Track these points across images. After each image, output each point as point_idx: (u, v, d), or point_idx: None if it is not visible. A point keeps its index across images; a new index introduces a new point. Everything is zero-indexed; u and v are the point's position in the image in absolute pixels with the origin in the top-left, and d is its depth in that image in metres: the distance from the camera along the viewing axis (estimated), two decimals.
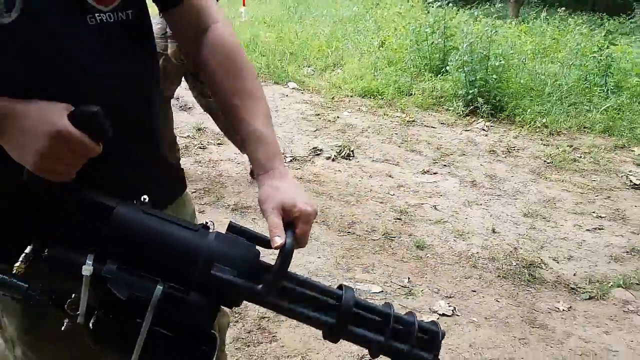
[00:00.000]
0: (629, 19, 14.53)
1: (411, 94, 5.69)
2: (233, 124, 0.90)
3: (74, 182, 0.69)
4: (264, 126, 0.88)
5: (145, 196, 0.77)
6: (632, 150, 4.46)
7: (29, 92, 0.68)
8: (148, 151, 0.91)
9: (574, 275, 2.78)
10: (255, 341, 2.15)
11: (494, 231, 3.18)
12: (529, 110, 5.10)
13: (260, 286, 0.71)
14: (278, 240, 0.75)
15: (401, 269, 2.73)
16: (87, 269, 0.65)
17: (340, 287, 0.79)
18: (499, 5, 11.78)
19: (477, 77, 5.21)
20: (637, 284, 2.69)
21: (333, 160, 4.05)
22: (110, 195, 0.72)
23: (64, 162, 0.67)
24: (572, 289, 2.67)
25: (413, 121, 5.03)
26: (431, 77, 5.97)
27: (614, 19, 13.89)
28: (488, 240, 3.09)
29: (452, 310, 2.44)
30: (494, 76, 5.29)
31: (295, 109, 5.18)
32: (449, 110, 5.32)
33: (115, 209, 0.70)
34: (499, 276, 2.76)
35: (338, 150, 4.16)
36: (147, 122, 0.89)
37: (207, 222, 0.78)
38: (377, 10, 10.20)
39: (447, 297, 2.54)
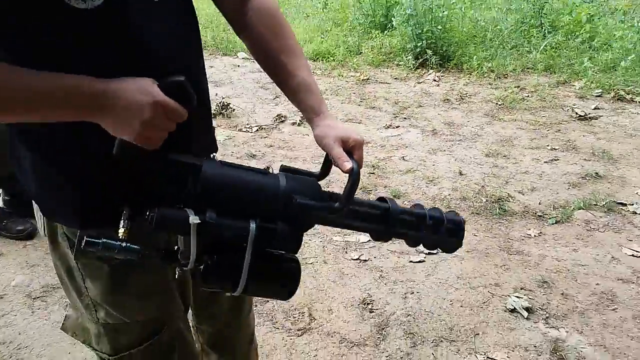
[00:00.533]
0: None
1: (361, 53, 5.79)
2: (281, 78, 1.00)
3: (161, 149, 0.75)
4: (309, 77, 0.99)
5: (214, 153, 0.85)
6: (573, 85, 4.77)
7: (115, 69, 0.73)
8: (206, 110, 1.00)
9: (539, 204, 3.03)
10: (262, 299, 2.25)
11: (460, 173, 3.38)
12: (475, 57, 5.31)
13: (337, 204, 0.85)
14: (347, 165, 0.88)
15: None
16: (194, 219, 0.72)
17: (382, 199, 0.96)
18: None
19: (424, 30, 5.35)
20: (594, 204, 2.96)
21: (299, 125, 4.12)
22: (191, 155, 0.79)
23: (161, 128, 0.74)
24: (540, 216, 2.91)
25: (367, 79, 5.14)
26: (378, 34, 6.07)
27: None
28: (457, 182, 3.29)
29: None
30: (439, 27, 5.44)
31: (250, 78, 5.17)
32: (400, 65, 5.46)
33: (202, 166, 0.77)
34: (472, 213, 2.96)
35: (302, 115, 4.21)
36: (202, 83, 0.96)
37: (267, 167, 0.89)
38: None
39: None
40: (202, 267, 0.77)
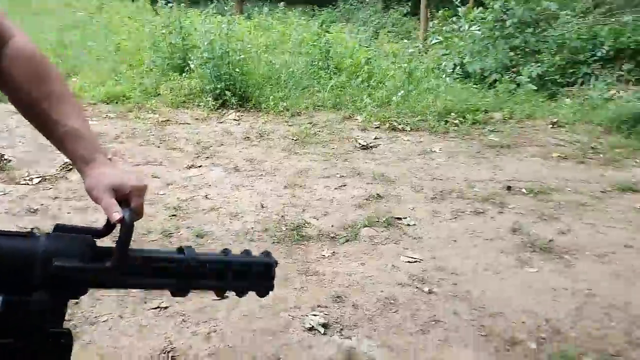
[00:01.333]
0: (335, 10, 16.79)
1: (159, 94, 5.71)
2: (46, 128, 0.90)
3: None
4: (79, 123, 0.89)
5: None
6: (356, 119, 5.36)
7: None
8: None
9: (332, 226, 3.30)
10: None
11: (262, 206, 3.52)
12: (271, 97, 5.64)
13: (108, 263, 0.74)
14: (117, 215, 0.78)
15: None
16: None
17: (180, 249, 0.84)
18: (231, 4, 12.35)
19: (222, 72, 5.53)
20: (377, 221, 3.33)
21: None
22: None
23: None
24: (332, 237, 3.17)
25: (167, 120, 5.08)
26: (176, 76, 6.07)
27: (323, 10, 15.89)
28: (259, 215, 3.41)
29: None
30: (237, 70, 5.67)
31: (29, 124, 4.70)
32: (200, 105, 5.53)
33: None
34: (274, 242, 3.09)
35: None
36: None
37: (32, 229, 0.77)
38: (102, 15, 9.75)
39: None
40: None
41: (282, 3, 11.63)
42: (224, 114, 5.38)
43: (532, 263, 2.89)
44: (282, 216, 3.40)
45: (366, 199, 3.66)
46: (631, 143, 4.89)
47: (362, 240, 3.14)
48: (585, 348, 2.21)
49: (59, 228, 0.78)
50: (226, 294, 0.88)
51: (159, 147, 4.47)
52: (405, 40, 10.84)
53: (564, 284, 2.69)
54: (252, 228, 3.24)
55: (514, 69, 7.22)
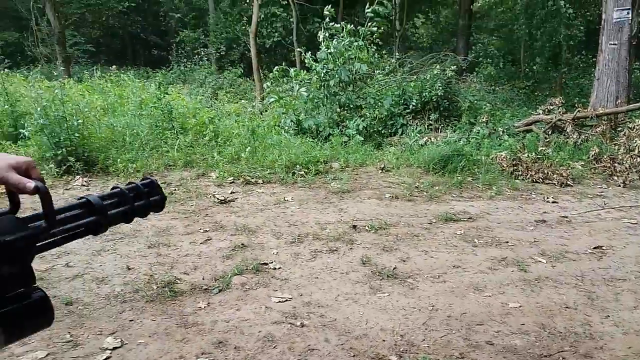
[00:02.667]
0: (169, 71, 16.91)
1: None
2: None
3: None
4: None
5: None
6: (210, 176, 5.58)
7: None
8: None
9: (203, 279, 3.44)
10: None
11: (128, 268, 3.52)
12: (118, 159, 5.59)
13: (43, 224, 0.88)
14: (31, 185, 0.91)
15: (58, 328, 2.75)
16: None
17: (80, 198, 1.00)
18: (60, 68, 11.77)
19: (62, 139, 5.34)
20: (245, 269, 3.57)
21: None
22: None
23: None
24: (205, 289, 3.32)
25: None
26: (10, 144, 5.67)
27: (157, 72, 15.92)
28: (127, 277, 3.41)
29: (120, 341, 2.68)
30: (77, 134, 5.52)
31: None
32: (42, 173, 5.23)
33: None
34: (147, 301, 3.13)
35: None
36: None
37: None
38: None
39: (111, 333, 2.75)
40: None
41: (113, 66, 11.48)
42: (70, 180, 5.18)
43: (382, 289, 3.38)
44: (151, 275, 3.45)
45: (232, 250, 3.88)
46: (445, 180, 5.89)
47: (235, 288, 3.34)
48: (436, 355, 2.68)
49: None
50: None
51: None
52: (244, 101, 11.43)
53: (411, 304, 3.19)
54: (122, 290, 3.24)
55: (343, 124, 8.14)
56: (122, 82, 9.71)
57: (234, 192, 5.17)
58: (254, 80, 15.03)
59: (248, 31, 15.76)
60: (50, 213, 0.90)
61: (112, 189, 1.05)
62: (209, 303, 3.15)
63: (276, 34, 14.63)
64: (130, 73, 11.89)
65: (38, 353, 2.53)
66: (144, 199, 1.08)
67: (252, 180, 5.51)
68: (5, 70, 7.49)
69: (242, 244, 3.96)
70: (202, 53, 18.46)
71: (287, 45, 16.49)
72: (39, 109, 5.37)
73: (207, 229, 4.26)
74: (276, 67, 9.63)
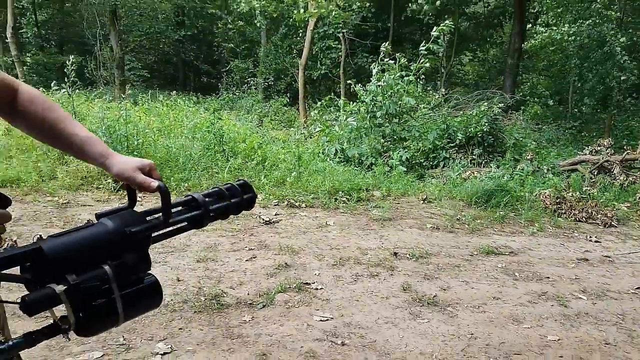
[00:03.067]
0: (218, 98, 17.55)
1: (56, 177, 5.66)
2: (64, 142, 1.17)
3: None
4: (86, 132, 1.19)
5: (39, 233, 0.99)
6: (257, 197, 5.77)
7: None
8: None
9: (248, 294, 3.59)
10: None
11: (178, 280, 3.71)
12: (172, 178, 5.88)
13: (161, 218, 1.04)
14: (154, 184, 1.09)
15: (112, 330, 2.94)
16: (59, 288, 0.84)
17: (187, 196, 1.14)
18: (115, 89, 12.46)
19: None
20: (288, 287, 3.70)
21: None
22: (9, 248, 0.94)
23: None
24: (250, 304, 3.46)
25: (67, 203, 5.07)
26: (72, 159, 6.07)
27: (207, 98, 16.58)
28: (176, 288, 3.60)
29: (170, 348, 2.84)
30: (136, 153, 5.87)
31: None
32: (100, 188, 5.58)
33: (41, 247, 0.89)
34: (195, 312, 3.29)
35: None
36: None
37: (88, 220, 1.04)
38: None
39: (161, 340, 2.92)
40: (81, 322, 0.88)
41: (174, 92, 12.10)
42: (125, 195, 5.48)
43: (422, 315, 3.43)
44: (199, 288, 3.62)
45: (276, 268, 4.02)
46: (487, 214, 5.90)
47: (278, 305, 3.47)
48: None
49: (99, 216, 1.03)
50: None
51: (63, 228, 4.46)
52: (289, 128, 11.75)
53: (450, 331, 3.24)
54: (172, 300, 3.41)
55: (386, 154, 8.27)
56: (177, 106, 10.20)
57: (278, 214, 5.35)
58: (297, 109, 15.47)
59: (297, 63, 16.28)
60: (167, 208, 1.06)
61: (212, 188, 1.21)
62: (253, 317, 3.29)
63: (323, 66, 15.03)
64: (184, 98, 12.48)
65: (95, 353, 2.71)
66: (239, 197, 1.22)
67: (296, 204, 5.67)
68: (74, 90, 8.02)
69: (286, 264, 4.10)
70: (251, 82, 19.13)
71: (333, 77, 16.89)
72: (103, 127, 5.76)
73: (253, 248, 4.43)
74: (326, 97, 9.91)
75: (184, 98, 12.02)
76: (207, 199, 1.15)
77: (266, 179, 6.25)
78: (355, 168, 7.53)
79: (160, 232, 1.06)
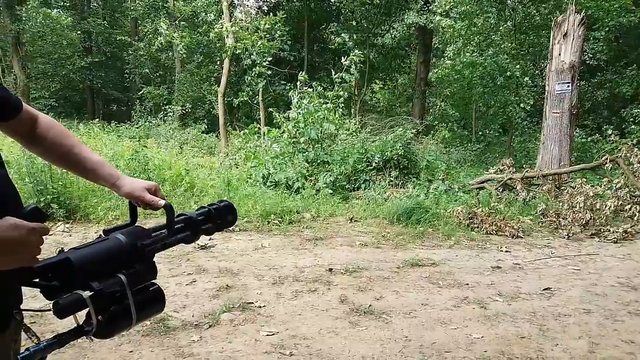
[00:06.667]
0: (133, 126, 17.12)
1: None
2: (79, 166, 1.30)
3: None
4: (97, 156, 1.34)
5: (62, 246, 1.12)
6: None
7: None
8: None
9: (193, 316, 3.66)
10: None
11: None
12: (99, 207, 5.77)
13: (165, 232, 1.22)
14: (162, 203, 1.27)
15: (63, 359, 2.91)
16: (86, 294, 0.97)
17: (179, 215, 1.31)
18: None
19: (46, 187, 5.51)
20: (232, 307, 3.81)
21: None
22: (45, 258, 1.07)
23: (37, 245, 0.94)
24: (196, 325, 3.54)
25: None
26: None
27: (121, 126, 16.11)
28: None
29: None
30: (60, 183, 5.71)
31: None
32: None
33: (69, 257, 1.01)
34: (142, 335, 3.32)
35: None
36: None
37: (100, 235, 1.16)
38: None
39: None
40: (102, 325, 1.00)
41: (96, 119, 11.73)
42: (52, 226, 5.31)
43: (360, 323, 3.69)
44: None
45: (217, 290, 4.12)
46: (409, 231, 6.35)
47: (224, 324, 3.58)
48: None
49: (108, 231, 1.18)
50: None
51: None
52: (210, 155, 11.77)
53: (387, 335, 3.52)
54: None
55: (312, 177, 8.59)
56: (94, 134, 9.91)
57: (212, 239, 5.43)
58: (217, 136, 15.48)
59: (214, 90, 16.31)
60: (170, 225, 1.24)
61: (199, 208, 1.40)
62: (201, 337, 3.38)
63: (243, 93, 15.26)
64: (100, 126, 12.10)
65: None
66: (223, 218, 1.42)
67: (230, 228, 5.78)
68: None
69: (227, 285, 4.21)
70: (168, 109, 18.85)
71: (252, 104, 17.12)
72: (25, 157, 5.56)
73: (191, 272, 4.49)
74: (248, 124, 10.11)
75: (99, 126, 11.66)
76: (199, 218, 1.34)
77: (196, 205, 6.30)
78: (285, 192, 7.76)
79: (163, 244, 1.23)
